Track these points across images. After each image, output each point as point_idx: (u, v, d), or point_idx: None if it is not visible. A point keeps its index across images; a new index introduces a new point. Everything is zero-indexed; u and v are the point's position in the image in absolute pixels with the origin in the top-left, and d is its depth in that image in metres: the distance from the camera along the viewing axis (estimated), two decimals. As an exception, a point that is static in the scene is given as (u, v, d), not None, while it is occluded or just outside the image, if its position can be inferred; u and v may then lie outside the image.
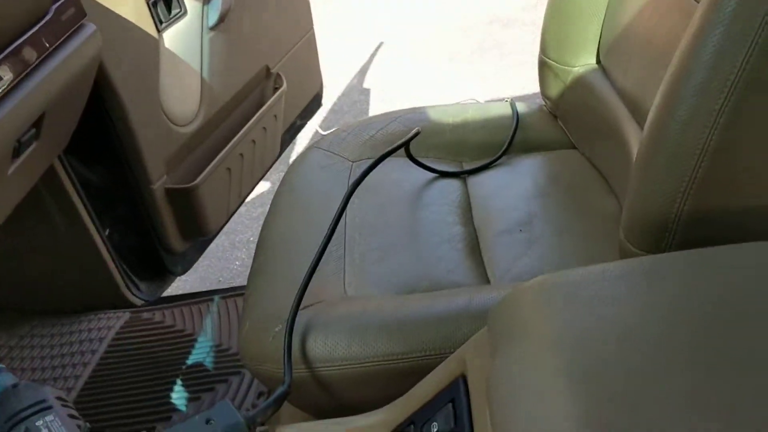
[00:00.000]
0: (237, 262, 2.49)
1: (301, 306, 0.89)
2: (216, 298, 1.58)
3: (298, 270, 0.98)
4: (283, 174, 1.28)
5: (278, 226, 1.12)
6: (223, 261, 2.46)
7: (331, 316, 0.86)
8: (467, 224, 1.06)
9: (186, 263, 1.82)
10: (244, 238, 2.47)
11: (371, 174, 1.19)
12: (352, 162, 1.21)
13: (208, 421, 0.71)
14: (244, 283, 1.51)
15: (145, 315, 1.57)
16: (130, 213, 1.63)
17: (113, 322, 1.56)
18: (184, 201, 1.66)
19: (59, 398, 0.68)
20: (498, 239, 1.01)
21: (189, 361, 1.40)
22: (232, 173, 1.79)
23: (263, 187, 2.37)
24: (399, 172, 1.18)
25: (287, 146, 2.06)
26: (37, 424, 0.64)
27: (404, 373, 0.80)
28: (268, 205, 1.20)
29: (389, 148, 1.06)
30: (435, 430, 0.64)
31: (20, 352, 1.51)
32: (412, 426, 0.68)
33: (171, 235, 1.69)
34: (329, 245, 0.99)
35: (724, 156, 0.67)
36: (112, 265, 1.57)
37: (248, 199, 1.90)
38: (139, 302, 1.64)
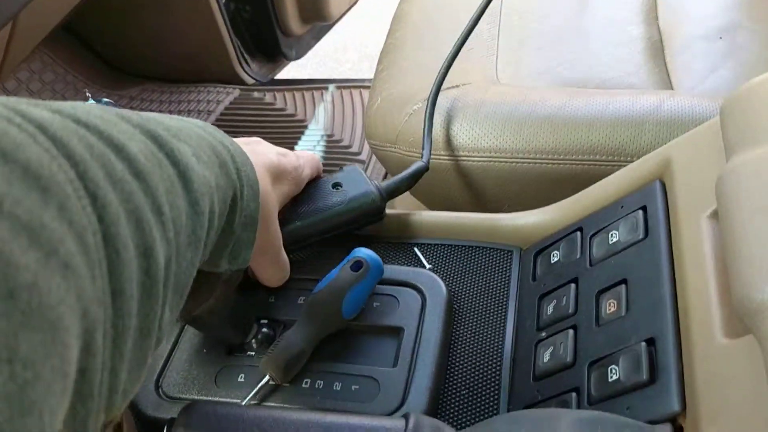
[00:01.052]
0: (347, 65, 2.35)
1: (445, 85, 0.76)
2: (331, 86, 1.46)
3: (443, 47, 0.84)
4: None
5: (419, 3, 0.96)
6: (335, 61, 2.33)
7: (481, 101, 0.72)
8: (651, 24, 0.87)
9: (301, 48, 1.70)
10: (357, 41, 2.31)
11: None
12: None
13: (335, 186, 0.61)
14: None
15: (256, 94, 1.48)
16: (250, -16, 1.50)
17: (222, 96, 1.48)
18: (309, -21, 1.51)
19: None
20: (690, 45, 0.82)
21: (299, 146, 1.32)
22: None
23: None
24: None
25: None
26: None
27: (563, 177, 0.68)
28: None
29: None
30: (614, 239, 0.51)
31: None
32: (579, 233, 0.56)
33: (290, 14, 1.56)
34: (480, 23, 0.84)
35: None
36: (226, 37, 1.47)
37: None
38: (250, 80, 1.55)
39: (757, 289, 0.34)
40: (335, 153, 1.29)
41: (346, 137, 1.32)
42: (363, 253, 0.56)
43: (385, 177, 1.24)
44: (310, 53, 1.75)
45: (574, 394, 0.46)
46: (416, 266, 0.61)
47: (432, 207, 0.83)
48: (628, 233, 0.51)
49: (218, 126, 1.35)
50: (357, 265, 0.55)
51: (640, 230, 0.50)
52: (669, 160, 0.51)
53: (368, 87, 1.48)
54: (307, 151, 0.60)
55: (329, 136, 1.33)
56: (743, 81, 0.76)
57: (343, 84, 1.46)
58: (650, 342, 0.43)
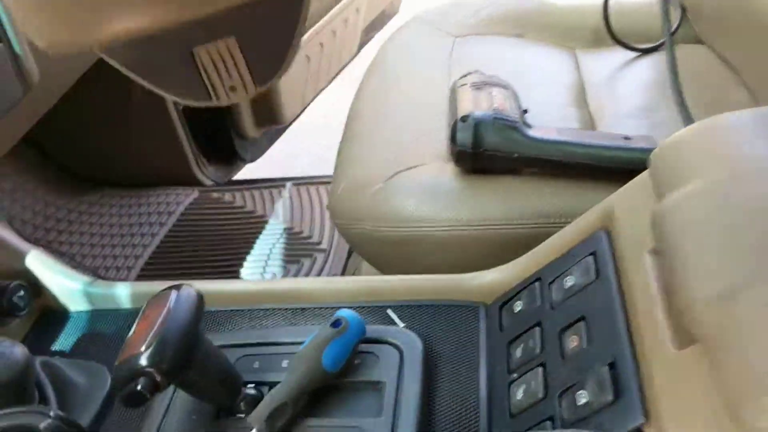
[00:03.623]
0: (299, 168, 2.44)
1: (403, 167, 0.82)
2: (288, 184, 1.53)
3: (394, 135, 0.92)
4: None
5: (373, 95, 1.05)
6: (291, 158, 2.41)
7: (436, 179, 0.79)
8: (581, 107, 0.97)
9: (256, 151, 1.77)
10: (312, 136, 2.41)
11: (476, 48, 1.11)
12: (456, 37, 1.12)
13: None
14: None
15: (215, 195, 1.53)
16: (206, 90, 1.58)
17: (182, 198, 1.52)
18: (261, 85, 1.61)
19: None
20: (618, 122, 0.92)
21: (260, 242, 1.36)
22: (310, 62, 1.72)
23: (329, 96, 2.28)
24: (507, 49, 1.09)
25: (363, 47, 1.97)
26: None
27: (516, 240, 0.74)
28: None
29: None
30: (569, 284, 0.57)
31: (89, 218, 1.49)
32: (538, 283, 0.61)
33: (245, 119, 1.64)
34: (429, 114, 0.93)
35: None
36: (184, 141, 1.53)
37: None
38: (208, 182, 1.60)
39: (696, 292, 0.39)
40: (297, 245, 1.34)
41: (305, 229, 1.38)
42: (344, 312, 0.60)
43: (348, 257, 1.28)
44: (264, 156, 1.83)
45: (549, 422, 0.50)
46: (391, 325, 0.65)
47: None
48: (581, 276, 0.57)
49: (180, 226, 1.37)
50: (337, 323, 0.59)
51: (592, 273, 0.56)
52: (611, 210, 0.58)
53: (325, 183, 1.56)
54: None
55: (289, 229, 1.38)
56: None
57: (300, 181, 1.53)
58: (612, 366, 0.48)
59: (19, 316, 0.69)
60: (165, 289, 0.56)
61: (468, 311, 0.66)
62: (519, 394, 0.54)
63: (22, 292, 0.69)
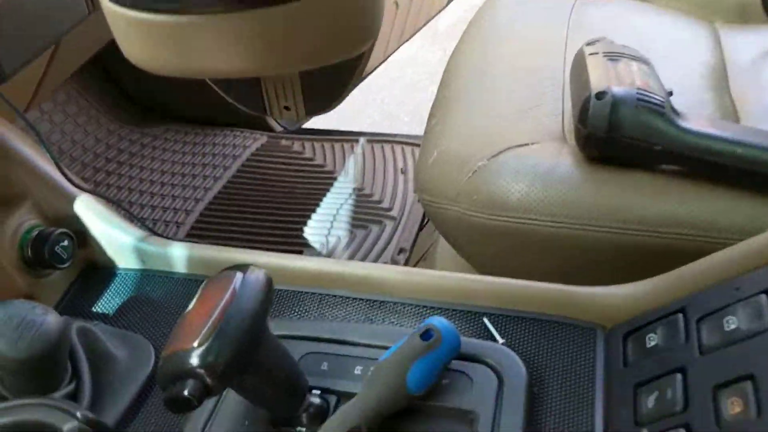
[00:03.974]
0: (368, 120, 2.32)
1: (512, 143, 0.70)
2: (361, 139, 1.42)
3: (500, 105, 0.79)
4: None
5: (474, 56, 0.92)
6: (359, 111, 2.30)
7: (554, 161, 0.67)
8: (722, 93, 0.82)
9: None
10: (384, 89, 2.29)
11: (600, 11, 0.97)
12: (576, -2, 0.98)
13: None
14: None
15: (284, 142, 1.43)
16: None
17: (249, 142, 1.43)
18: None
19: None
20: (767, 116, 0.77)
21: (326, 199, 1.26)
22: (398, 10, 1.59)
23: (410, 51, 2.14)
24: (634, 15, 0.95)
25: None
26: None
27: (649, 251, 0.61)
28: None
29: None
30: (731, 326, 0.45)
31: (151, 152, 1.41)
32: (680, 315, 0.49)
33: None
34: (541, 83, 0.80)
35: None
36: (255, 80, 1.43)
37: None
38: (278, 128, 1.51)
39: None
40: (366, 208, 1.23)
41: (376, 192, 1.27)
42: (436, 321, 0.49)
43: (420, 228, 1.17)
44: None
45: None
46: (487, 339, 0.54)
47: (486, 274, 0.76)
48: (750, 320, 0.44)
49: (244, 171, 1.28)
50: (428, 335, 0.48)
51: (766, 318, 0.43)
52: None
53: (401, 143, 1.44)
54: None
55: (359, 190, 1.28)
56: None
57: (375, 138, 1.42)
58: (796, 454, 0.36)
59: (60, 268, 0.61)
60: (229, 269, 0.46)
61: (582, 334, 0.54)
62: (652, 458, 0.43)
63: (66, 242, 0.61)
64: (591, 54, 0.71)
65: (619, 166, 0.64)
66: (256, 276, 0.45)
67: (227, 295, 0.43)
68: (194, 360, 0.40)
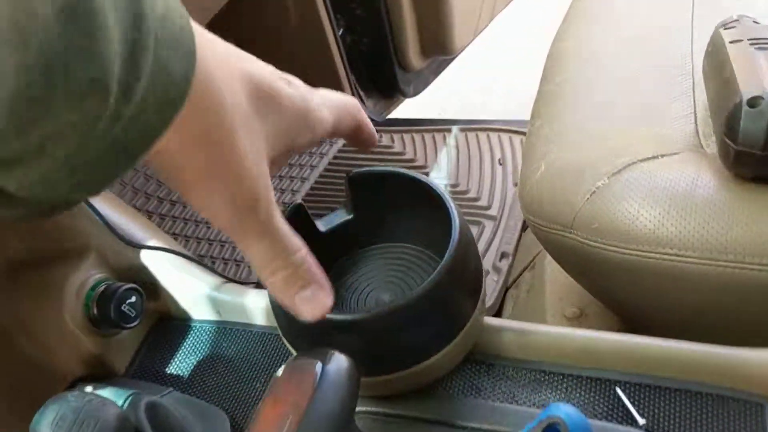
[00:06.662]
0: (456, 101, 2.19)
1: (637, 156, 0.59)
2: (454, 128, 1.31)
3: (618, 103, 0.67)
4: None
5: (582, 42, 0.80)
6: (457, 95, 2.18)
7: (694, 179, 0.55)
8: None
9: (419, 84, 1.56)
10: (468, 73, 2.15)
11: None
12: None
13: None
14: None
15: (371, 135, 1.35)
16: (368, 15, 1.38)
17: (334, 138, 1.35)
18: (432, 8, 1.38)
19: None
20: None
21: (419, 198, 1.16)
22: (487, -20, 1.46)
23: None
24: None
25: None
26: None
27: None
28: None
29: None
30: None
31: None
32: None
33: (410, 47, 1.43)
34: (667, 75, 0.67)
35: None
36: (341, 70, 1.35)
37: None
38: (364, 119, 1.42)
39: None
40: (462, 206, 1.13)
41: (472, 188, 1.17)
42: (562, 410, 0.39)
43: (523, 229, 1.07)
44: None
45: None
46: (623, 423, 0.44)
47: (609, 307, 0.66)
48: None
49: (331, 170, 1.19)
50: (552, 429, 0.39)
51: None
52: None
53: (496, 130, 1.33)
54: (341, 94, 0.39)
55: (454, 186, 1.18)
56: None
57: (468, 126, 1.31)
58: None
59: (128, 327, 0.55)
60: (304, 355, 0.38)
61: (746, 409, 0.43)
62: None
63: (134, 298, 0.55)
64: (732, 42, 0.58)
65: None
66: (338, 365, 0.37)
67: (305, 397, 0.36)
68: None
